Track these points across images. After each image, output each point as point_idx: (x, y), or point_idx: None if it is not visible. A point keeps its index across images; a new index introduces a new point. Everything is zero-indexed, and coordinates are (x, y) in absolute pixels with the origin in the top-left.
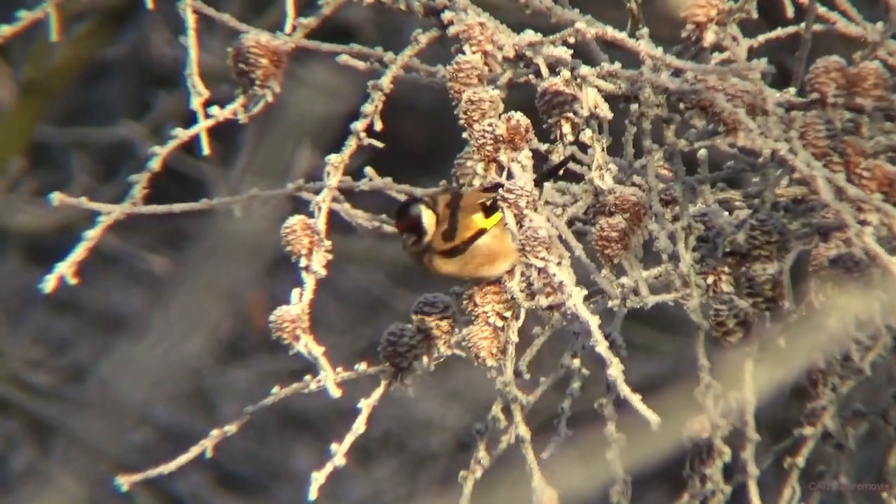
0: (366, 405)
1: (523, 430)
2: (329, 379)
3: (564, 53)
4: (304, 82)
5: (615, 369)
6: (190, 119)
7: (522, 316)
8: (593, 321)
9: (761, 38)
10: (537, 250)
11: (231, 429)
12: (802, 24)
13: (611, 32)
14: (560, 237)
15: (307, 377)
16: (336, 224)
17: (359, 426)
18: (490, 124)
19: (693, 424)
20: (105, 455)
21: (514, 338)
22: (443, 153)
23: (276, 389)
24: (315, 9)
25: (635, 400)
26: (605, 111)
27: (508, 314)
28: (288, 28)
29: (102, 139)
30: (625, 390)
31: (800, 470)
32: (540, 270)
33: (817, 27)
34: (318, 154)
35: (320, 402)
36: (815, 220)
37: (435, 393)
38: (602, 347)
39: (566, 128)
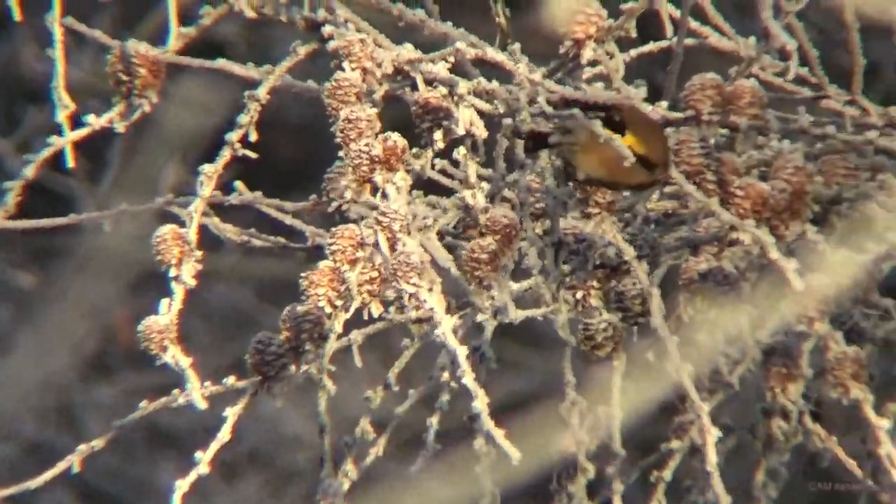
0: (232, 413)
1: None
2: (195, 390)
3: (443, 70)
4: (174, 98)
5: (480, 403)
6: (59, 134)
7: (353, 309)
8: (461, 351)
9: (633, 52)
10: (409, 276)
11: (98, 443)
12: (674, 39)
13: (490, 54)
14: (432, 260)
15: (175, 391)
16: (203, 239)
17: (224, 435)
18: (367, 144)
19: (562, 440)
20: None
21: (339, 328)
22: (312, 169)
23: (143, 403)
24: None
25: (499, 436)
26: (481, 129)
27: (340, 303)
28: (172, 39)
29: None
30: (489, 425)
31: (666, 484)
32: (411, 296)
33: (689, 41)
34: (188, 170)
35: (187, 418)
36: (685, 234)
37: (302, 409)
38: (469, 379)
39: (437, 134)
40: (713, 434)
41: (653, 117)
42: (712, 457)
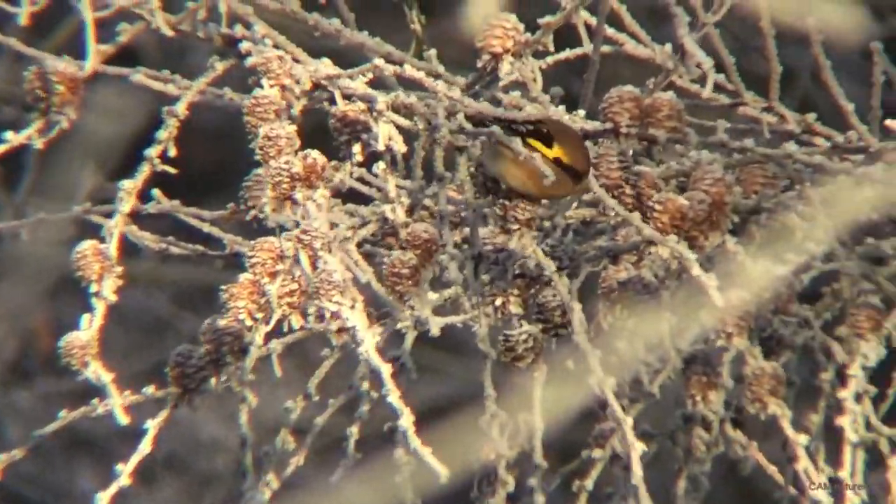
0: (153, 426)
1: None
2: (117, 406)
3: (361, 86)
4: (89, 105)
5: (406, 421)
6: None
7: (274, 321)
8: (385, 369)
9: (550, 59)
10: (331, 294)
11: (18, 453)
12: (590, 46)
13: (409, 70)
14: (354, 276)
15: (94, 401)
16: (119, 245)
17: (145, 447)
18: (286, 161)
19: (482, 447)
20: None
21: (259, 341)
22: (229, 175)
23: (63, 412)
24: (111, 34)
25: (426, 454)
26: (399, 144)
27: (260, 316)
28: (90, 57)
29: None
30: (415, 443)
31: (588, 492)
32: (333, 313)
33: (606, 49)
34: (103, 176)
35: (105, 423)
36: (604, 243)
37: (219, 414)
38: (394, 398)
39: (356, 147)
40: (638, 448)
41: (573, 128)
42: (638, 470)
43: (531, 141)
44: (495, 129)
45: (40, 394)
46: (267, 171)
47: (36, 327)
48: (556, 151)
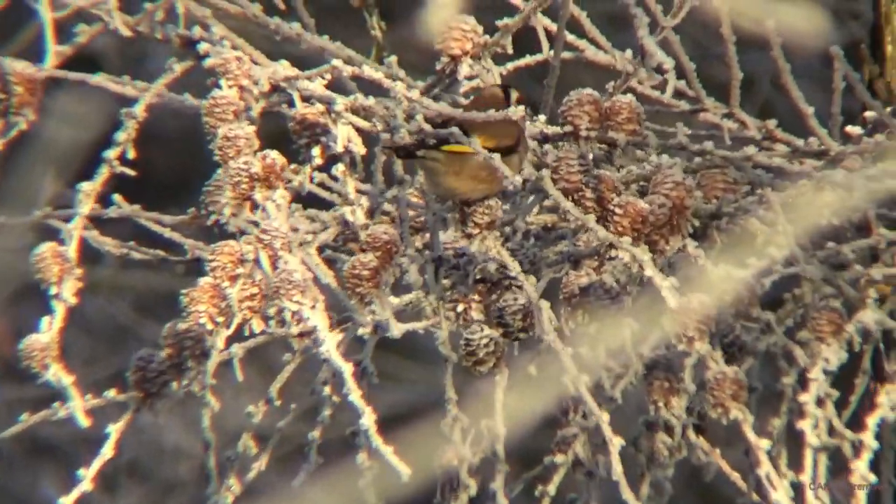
0: (114, 430)
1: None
2: (78, 408)
3: (320, 88)
4: (50, 112)
5: (367, 419)
6: None
7: (234, 325)
8: (346, 368)
9: (510, 65)
10: (291, 293)
11: None
12: (551, 52)
13: (367, 72)
14: (314, 276)
15: (56, 404)
16: (81, 251)
17: (107, 451)
18: (246, 162)
19: (444, 453)
20: None
21: (220, 345)
22: (191, 181)
23: (24, 416)
24: (70, 36)
25: (388, 452)
26: (359, 146)
27: (221, 320)
28: (49, 57)
29: None
30: (377, 441)
31: (551, 497)
32: (294, 313)
33: (566, 55)
34: (64, 182)
35: (68, 430)
36: (565, 248)
37: (182, 420)
38: (355, 397)
39: (315, 150)
40: (616, 443)
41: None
42: (618, 466)
43: (448, 148)
44: (455, 130)
45: (3, 401)
46: (226, 172)
47: None
48: (478, 143)
